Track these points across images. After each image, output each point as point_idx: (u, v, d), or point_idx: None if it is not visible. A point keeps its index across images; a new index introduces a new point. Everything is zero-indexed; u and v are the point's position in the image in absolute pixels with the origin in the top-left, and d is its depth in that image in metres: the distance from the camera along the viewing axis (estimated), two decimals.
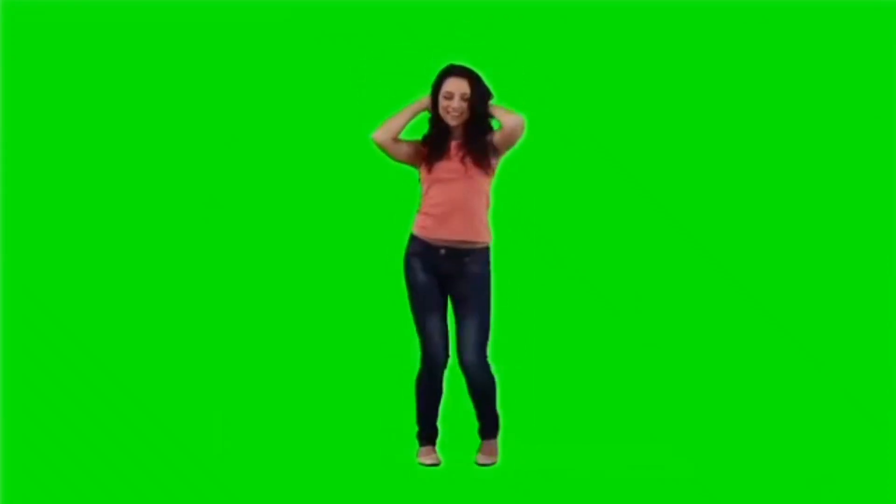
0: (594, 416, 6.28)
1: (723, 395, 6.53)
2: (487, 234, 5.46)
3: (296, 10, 6.82)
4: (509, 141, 5.41)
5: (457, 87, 5.37)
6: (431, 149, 5.42)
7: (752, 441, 5.88)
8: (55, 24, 6.76)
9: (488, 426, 5.55)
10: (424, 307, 5.44)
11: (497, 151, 5.43)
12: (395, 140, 5.43)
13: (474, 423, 5.56)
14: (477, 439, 5.58)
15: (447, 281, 5.45)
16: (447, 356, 5.46)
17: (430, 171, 5.41)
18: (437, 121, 5.44)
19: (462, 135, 5.42)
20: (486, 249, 5.47)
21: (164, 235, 6.86)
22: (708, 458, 5.59)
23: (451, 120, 5.39)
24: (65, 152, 6.84)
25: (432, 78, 5.41)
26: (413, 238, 5.47)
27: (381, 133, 5.43)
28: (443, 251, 5.42)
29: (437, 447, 5.57)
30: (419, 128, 5.48)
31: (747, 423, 6.18)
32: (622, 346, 6.84)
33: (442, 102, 5.39)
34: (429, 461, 5.51)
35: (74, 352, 6.67)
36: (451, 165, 5.40)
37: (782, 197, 6.91)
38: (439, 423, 5.57)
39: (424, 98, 5.45)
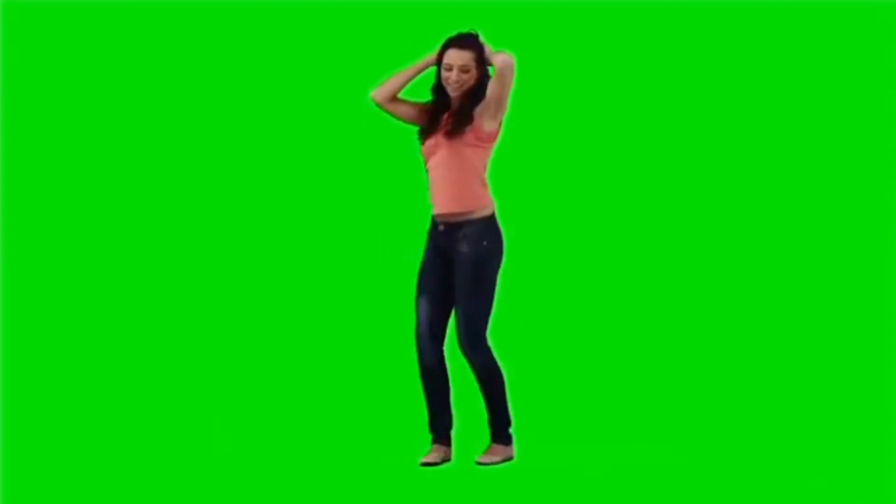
0: (603, 415, 6.26)
1: (732, 393, 6.51)
2: (478, 203, 5.21)
3: (295, 8, 6.83)
4: (501, 86, 5.11)
5: (456, 58, 5.20)
6: (429, 120, 5.27)
7: (757, 436, 5.88)
8: (55, 24, 6.77)
9: (494, 427, 5.34)
10: (420, 287, 5.32)
11: (492, 109, 5.16)
12: (394, 100, 5.28)
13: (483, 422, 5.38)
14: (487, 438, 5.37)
15: (448, 261, 5.27)
16: (434, 343, 5.28)
17: (422, 143, 5.27)
18: (439, 88, 5.28)
19: (457, 106, 5.25)
20: (482, 221, 5.23)
21: (167, 231, 6.86)
22: (715, 457, 5.57)
23: (451, 91, 5.22)
24: (65, 152, 6.84)
25: (432, 75, 5.31)
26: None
27: (378, 92, 5.29)
28: (441, 227, 5.28)
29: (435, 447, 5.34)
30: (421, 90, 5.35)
31: (755, 419, 6.17)
32: (631, 343, 6.83)
33: (442, 73, 5.23)
34: (429, 459, 5.27)
35: (74, 351, 6.67)
36: (436, 137, 5.24)
37: (782, 196, 6.92)
38: (449, 420, 5.33)
39: (430, 57, 5.27)
